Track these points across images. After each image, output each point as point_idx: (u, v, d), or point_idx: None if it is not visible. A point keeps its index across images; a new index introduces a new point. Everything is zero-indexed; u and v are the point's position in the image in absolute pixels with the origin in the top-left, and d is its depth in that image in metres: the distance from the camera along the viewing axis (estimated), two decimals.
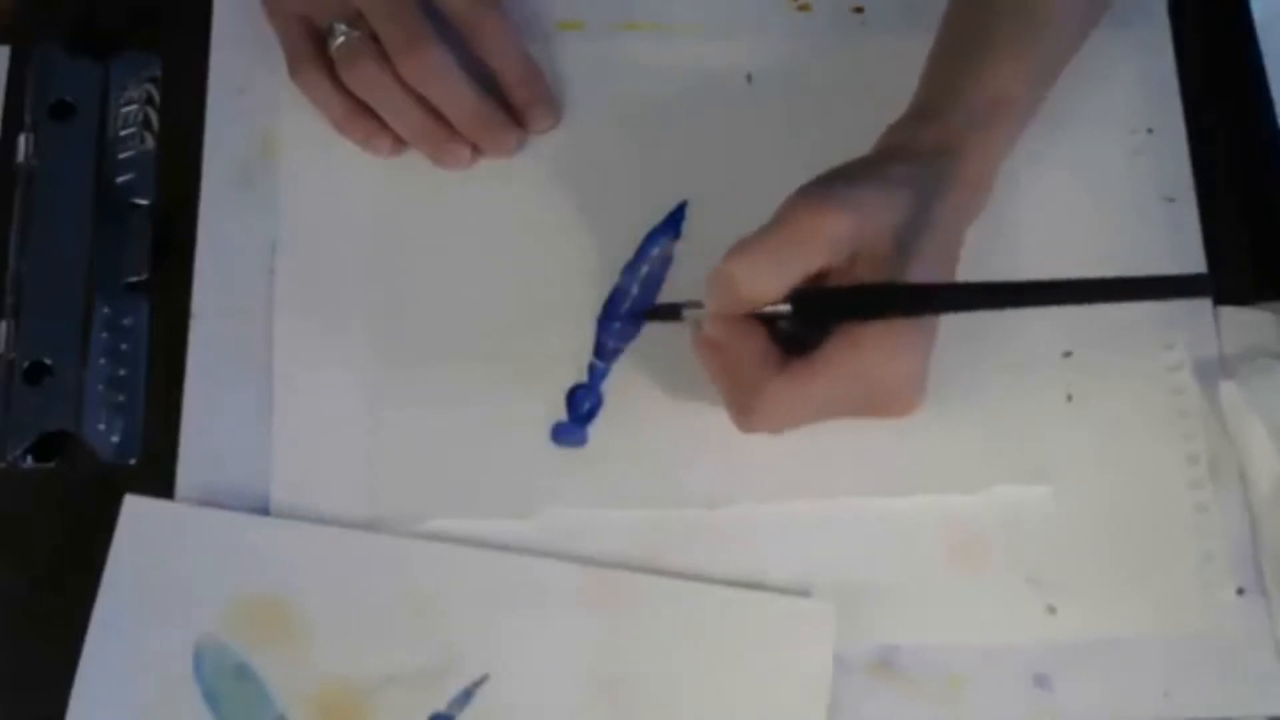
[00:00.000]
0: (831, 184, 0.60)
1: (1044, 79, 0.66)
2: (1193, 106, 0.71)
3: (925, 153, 0.62)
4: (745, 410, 0.60)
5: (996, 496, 0.64)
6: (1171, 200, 0.69)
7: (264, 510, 0.65)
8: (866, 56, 0.69)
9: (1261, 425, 0.64)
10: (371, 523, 0.64)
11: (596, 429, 0.66)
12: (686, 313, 0.63)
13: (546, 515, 0.64)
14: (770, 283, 0.59)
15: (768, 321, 0.61)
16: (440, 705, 0.61)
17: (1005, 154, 0.65)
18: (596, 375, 0.67)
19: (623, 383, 0.66)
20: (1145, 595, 0.63)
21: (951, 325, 0.63)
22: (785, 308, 0.60)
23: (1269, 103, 0.69)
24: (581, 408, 0.66)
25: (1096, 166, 0.70)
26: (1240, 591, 0.63)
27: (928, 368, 0.60)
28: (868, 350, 0.58)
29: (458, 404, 0.66)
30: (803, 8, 0.73)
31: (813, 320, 0.60)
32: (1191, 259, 0.68)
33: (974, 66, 0.64)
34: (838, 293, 0.60)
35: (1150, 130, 0.71)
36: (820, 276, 0.60)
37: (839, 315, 0.59)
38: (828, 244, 0.59)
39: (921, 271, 0.59)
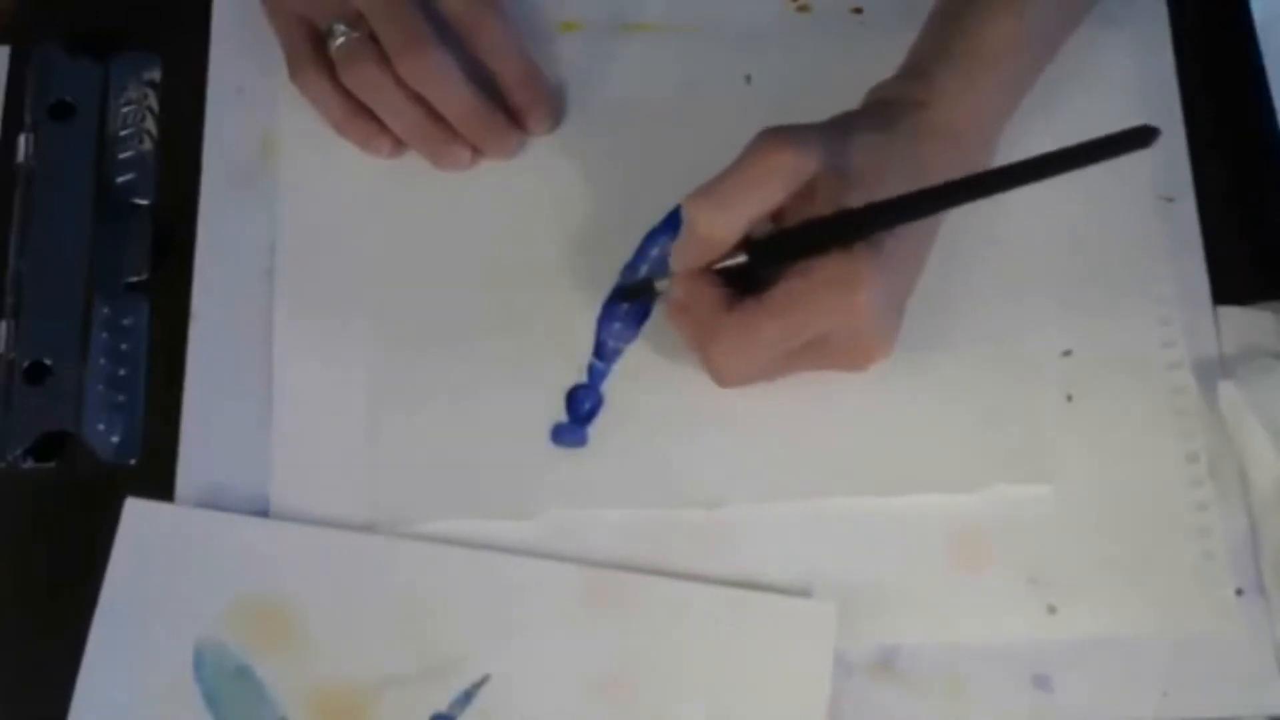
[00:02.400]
0: (793, 127, 0.61)
1: (1040, 46, 0.66)
2: (1192, 106, 0.71)
3: (901, 106, 0.63)
4: (706, 357, 0.61)
5: (996, 496, 0.64)
6: (1170, 200, 0.69)
7: (264, 511, 0.65)
8: (866, 57, 0.69)
9: (1261, 425, 0.64)
10: (371, 524, 0.64)
11: (597, 429, 0.66)
12: (659, 283, 0.65)
13: (547, 516, 0.64)
14: (727, 221, 0.60)
15: (732, 277, 0.62)
16: (441, 706, 0.61)
17: (993, 114, 0.65)
18: (596, 375, 0.67)
19: (623, 383, 0.66)
20: (1145, 594, 0.63)
21: (951, 324, 0.63)
22: (741, 258, 0.61)
23: (1269, 103, 0.69)
24: (582, 408, 0.66)
25: (1095, 166, 0.70)
26: (1239, 592, 0.63)
27: (893, 310, 0.61)
28: (817, 282, 0.59)
29: (457, 404, 0.66)
30: (802, 9, 0.73)
31: (768, 266, 0.60)
32: (1191, 259, 0.69)
33: (963, 25, 0.64)
34: (786, 233, 0.61)
35: None
36: (778, 218, 0.61)
37: (789, 255, 0.60)
38: (780, 180, 0.59)
39: (915, 226, 0.60)
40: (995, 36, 0.64)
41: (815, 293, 0.59)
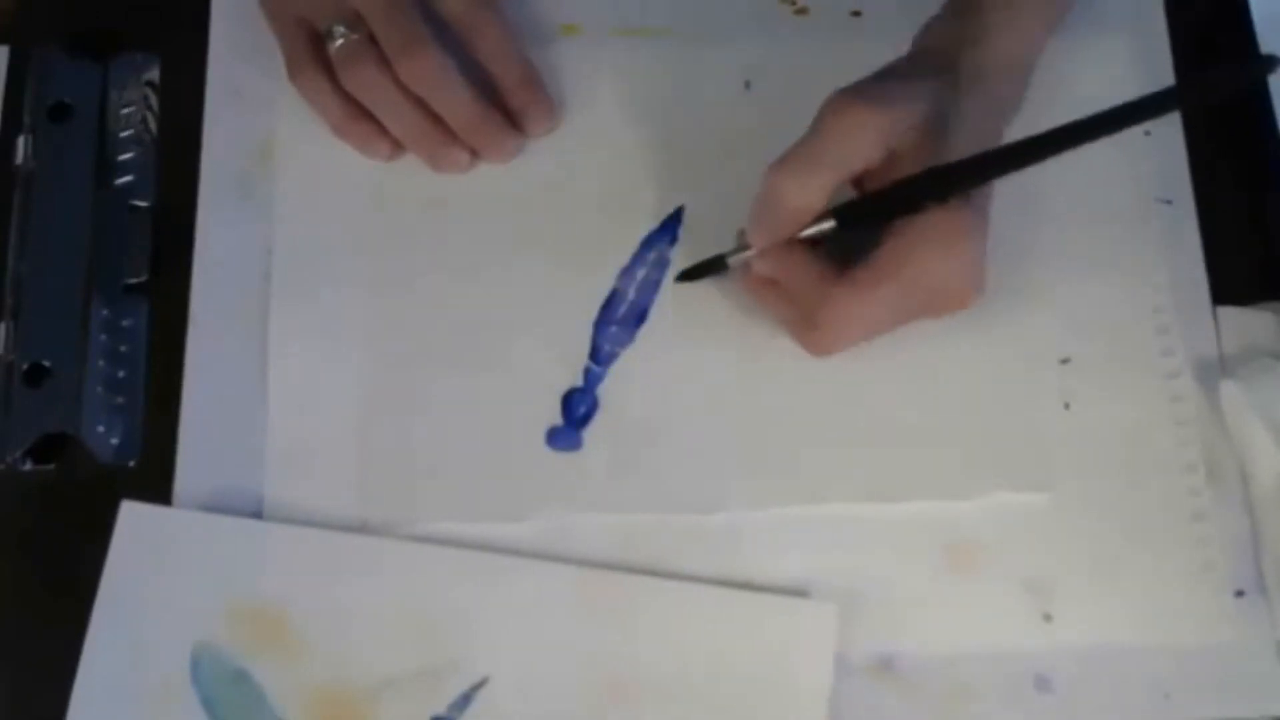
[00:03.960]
0: (863, 85, 0.61)
1: None
2: (1190, 108, 0.71)
3: (955, 47, 0.63)
4: (812, 327, 0.62)
5: (993, 503, 0.64)
6: (1169, 202, 0.69)
7: (259, 513, 0.65)
8: (865, 61, 0.68)
9: (1262, 425, 0.64)
10: (365, 526, 0.64)
11: (591, 433, 0.65)
12: (731, 260, 0.65)
13: (540, 519, 0.64)
14: (813, 189, 0.60)
15: (814, 245, 0.62)
16: (440, 708, 0.61)
17: (1039, 39, 0.66)
18: (592, 379, 0.66)
19: (618, 387, 0.66)
20: (1143, 603, 0.63)
21: (949, 331, 0.63)
22: (829, 224, 0.61)
23: (1268, 103, 0.69)
24: (577, 411, 0.66)
25: (1093, 168, 0.70)
26: (1240, 594, 0.63)
27: (984, 255, 0.61)
28: (923, 242, 0.59)
29: (453, 407, 0.66)
30: (800, 11, 0.73)
31: (858, 228, 0.61)
32: (1190, 261, 0.68)
33: None
34: (876, 196, 0.61)
35: (1147, 132, 0.70)
36: (860, 181, 0.61)
37: (881, 217, 0.60)
38: (863, 142, 0.60)
39: (955, 157, 0.60)
40: None
41: (924, 249, 0.59)
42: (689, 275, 0.67)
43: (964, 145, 0.60)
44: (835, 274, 0.61)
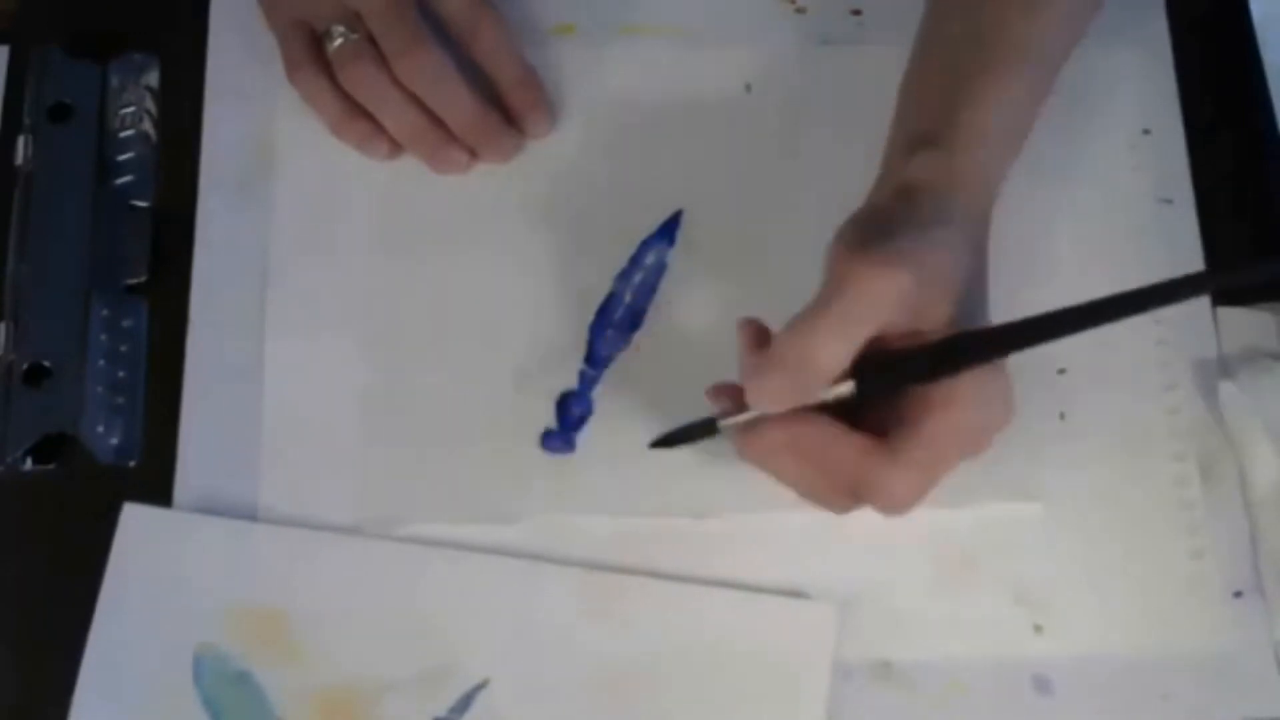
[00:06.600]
0: (874, 238, 0.56)
1: (1033, 108, 0.64)
2: (1190, 107, 0.71)
3: (940, 189, 0.59)
4: (864, 502, 0.57)
5: (986, 513, 0.64)
6: (1169, 202, 0.69)
7: (256, 513, 0.65)
8: (865, 60, 0.69)
9: (1261, 426, 0.64)
10: (359, 527, 0.64)
11: (586, 436, 0.65)
12: (723, 423, 0.60)
13: (534, 522, 0.64)
14: (841, 353, 0.56)
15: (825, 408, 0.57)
16: (440, 710, 0.61)
17: (1002, 178, 0.63)
18: (587, 382, 0.66)
19: (613, 391, 0.66)
20: (1138, 612, 0.63)
21: None
22: (848, 387, 0.56)
23: (1268, 103, 0.69)
24: (571, 414, 0.66)
25: (1093, 169, 0.70)
26: (1238, 594, 0.63)
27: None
28: (968, 405, 0.56)
29: (448, 409, 0.66)
30: (800, 10, 0.73)
31: (880, 392, 0.57)
32: (1189, 261, 0.68)
33: (972, 96, 0.61)
34: (904, 356, 0.56)
35: (1147, 131, 0.70)
36: (876, 341, 0.57)
37: (909, 380, 0.56)
38: (893, 303, 0.55)
39: (980, 314, 0.58)
40: (1003, 104, 0.61)
41: (967, 417, 0.56)
42: (668, 441, 0.64)
43: (983, 300, 0.58)
44: (877, 446, 0.56)
